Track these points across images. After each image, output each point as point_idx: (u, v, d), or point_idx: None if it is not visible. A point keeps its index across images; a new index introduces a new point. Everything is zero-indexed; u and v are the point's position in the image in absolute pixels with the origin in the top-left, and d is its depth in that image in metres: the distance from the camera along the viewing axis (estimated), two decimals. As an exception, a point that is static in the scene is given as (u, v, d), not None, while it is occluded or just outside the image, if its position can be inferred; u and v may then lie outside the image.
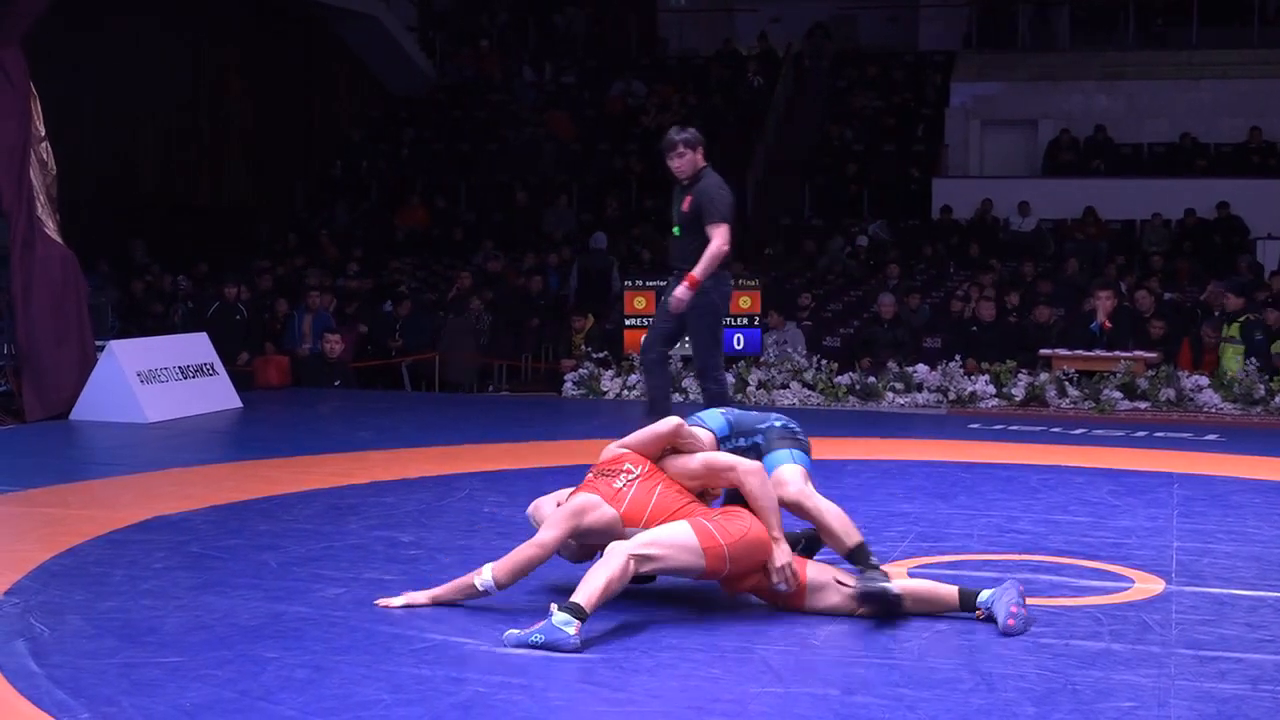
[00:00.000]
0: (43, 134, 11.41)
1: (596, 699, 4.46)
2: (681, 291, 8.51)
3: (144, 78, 20.17)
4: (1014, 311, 15.54)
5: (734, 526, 5.24)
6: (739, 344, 13.99)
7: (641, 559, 5.11)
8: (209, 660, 4.75)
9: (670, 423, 5.55)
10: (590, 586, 4.97)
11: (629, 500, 5.33)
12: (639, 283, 14.36)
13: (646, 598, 5.56)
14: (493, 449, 9.83)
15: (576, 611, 4.88)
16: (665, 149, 8.88)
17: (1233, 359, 13.61)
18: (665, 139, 8.97)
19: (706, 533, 5.20)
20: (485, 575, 5.26)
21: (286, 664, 4.73)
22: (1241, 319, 14.05)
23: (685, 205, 8.77)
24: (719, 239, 8.55)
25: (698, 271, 8.52)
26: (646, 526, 5.25)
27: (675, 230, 8.89)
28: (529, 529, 6.10)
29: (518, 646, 4.85)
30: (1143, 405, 12.49)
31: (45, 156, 11.44)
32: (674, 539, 5.19)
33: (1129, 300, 14.83)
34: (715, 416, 5.82)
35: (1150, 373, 12.74)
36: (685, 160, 8.80)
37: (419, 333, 16.07)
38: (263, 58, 22.96)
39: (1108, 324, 13.57)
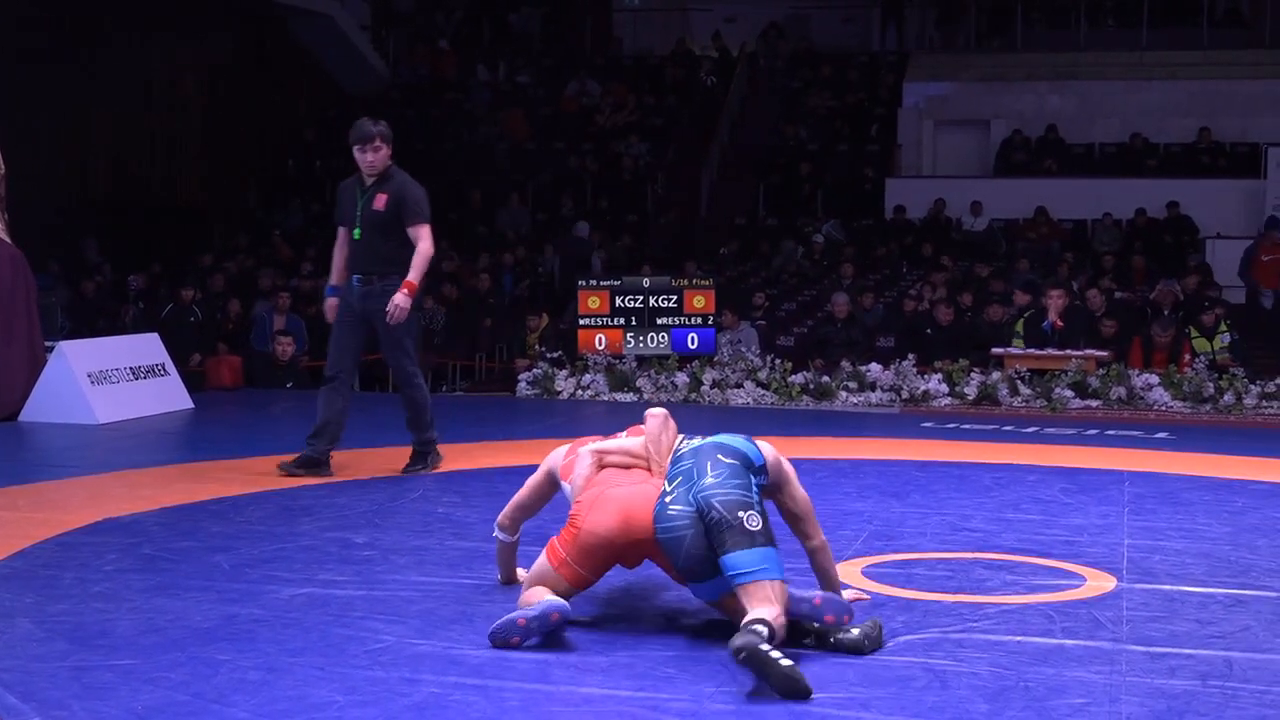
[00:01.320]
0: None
1: (552, 699, 4.46)
2: (402, 300, 8.13)
3: (95, 75, 20.03)
4: (967, 311, 15.62)
5: (567, 532, 5.12)
6: (693, 343, 14.02)
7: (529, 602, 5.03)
8: (161, 663, 4.72)
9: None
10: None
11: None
12: (593, 283, 14.35)
13: (601, 598, 5.56)
14: (446, 449, 9.78)
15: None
16: (360, 140, 8.29)
17: None
18: (360, 129, 8.36)
19: (553, 550, 5.12)
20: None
21: (240, 666, 4.71)
22: (1027, 314, 14.48)
23: (380, 204, 8.29)
24: (427, 240, 8.29)
25: (414, 277, 8.21)
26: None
27: (356, 232, 8.35)
28: (484, 528, 6.10)
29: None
30: (1094, 403, 12.58)
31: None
32: (539, 573, 5.13)
33: (1080, 299, 14.94)
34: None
35: (1101, 371, 12.84)
36: (380, 155, 8.34)
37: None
38: (216, 56, 22.84)
39: (1059, 323, 13.66)
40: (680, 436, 5.29)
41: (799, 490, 5.24)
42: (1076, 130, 23.26)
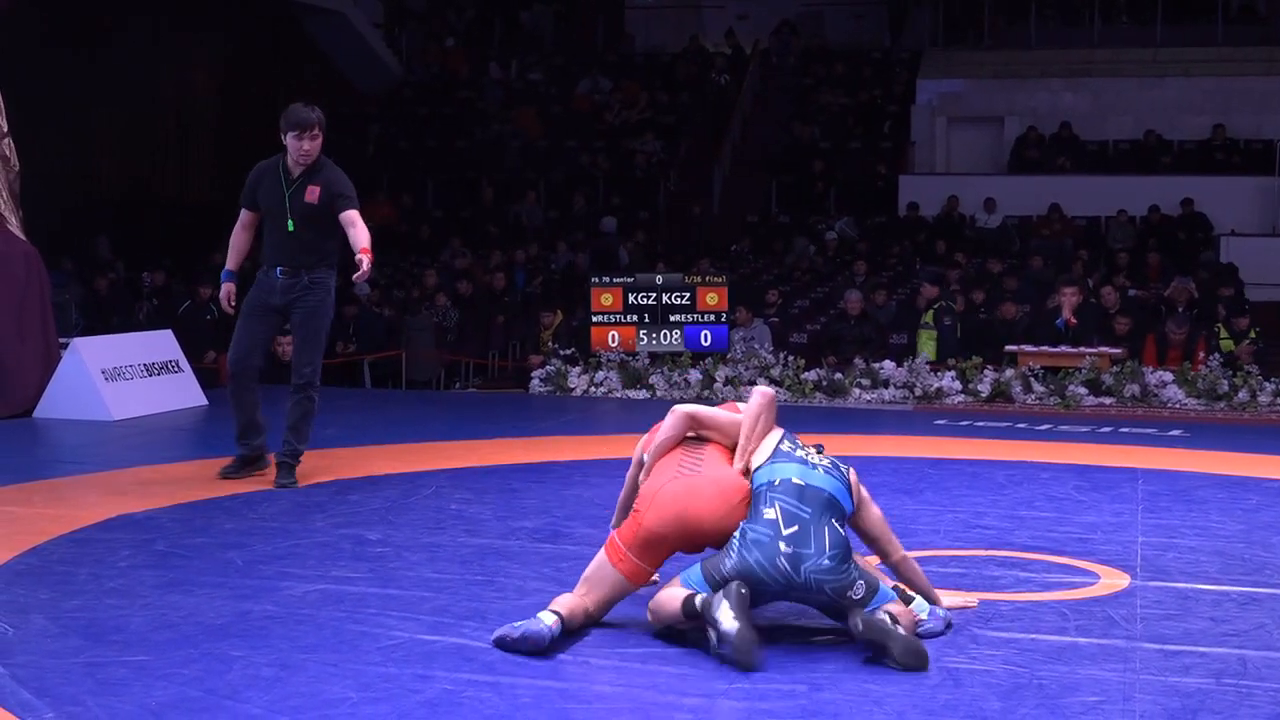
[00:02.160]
0: (5, 130, 11.35)
1: (564, 696, 4.46)
2: (369, 264, 7.70)
3: (108, 73, 20.06)
4: (981, 308, 15.60)
5: (628, 528, 5.07)
6: (706, 341, 14.01)
7: (583, 597, 5.04)
8: (175, 659, 4.73)
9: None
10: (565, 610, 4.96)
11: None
12: (606, 280, 14.35)
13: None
14: (459, 446, 9.81)
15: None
16: (299, 126, 7.91)
17: (928, 343, 14.40)
18: (299, 116, 7.95)
19: (611, 546, 5.08)
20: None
21: (253, 662, 4.71)
22: (935, 305, 14.71)
23: (312, 196, 7.96)
24: (361, 222, 7.90)
25: (368, 244, 7.76)
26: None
27: (290, 225, 7.98)
28: (497, 525, 6.11)
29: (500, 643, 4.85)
30: (1108, 401, 12.55)
31: (8, 152, 11.38)
32: (596, 574, 5.09)
33: (1094, 296, 14.91)
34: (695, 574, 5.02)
35: (1115, 368, 12.81)
36: (317, 144, 8.00)
37: (372, 332, 15.97)
38: (229, 54, 22.87)
39: (1073, 320, 13.63)
40: (779, 433, 5.23)
41: (874, 511, 5.23)
42: (1090, 127, 23.22)
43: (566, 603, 4.97)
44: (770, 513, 4.88)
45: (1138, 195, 20.82)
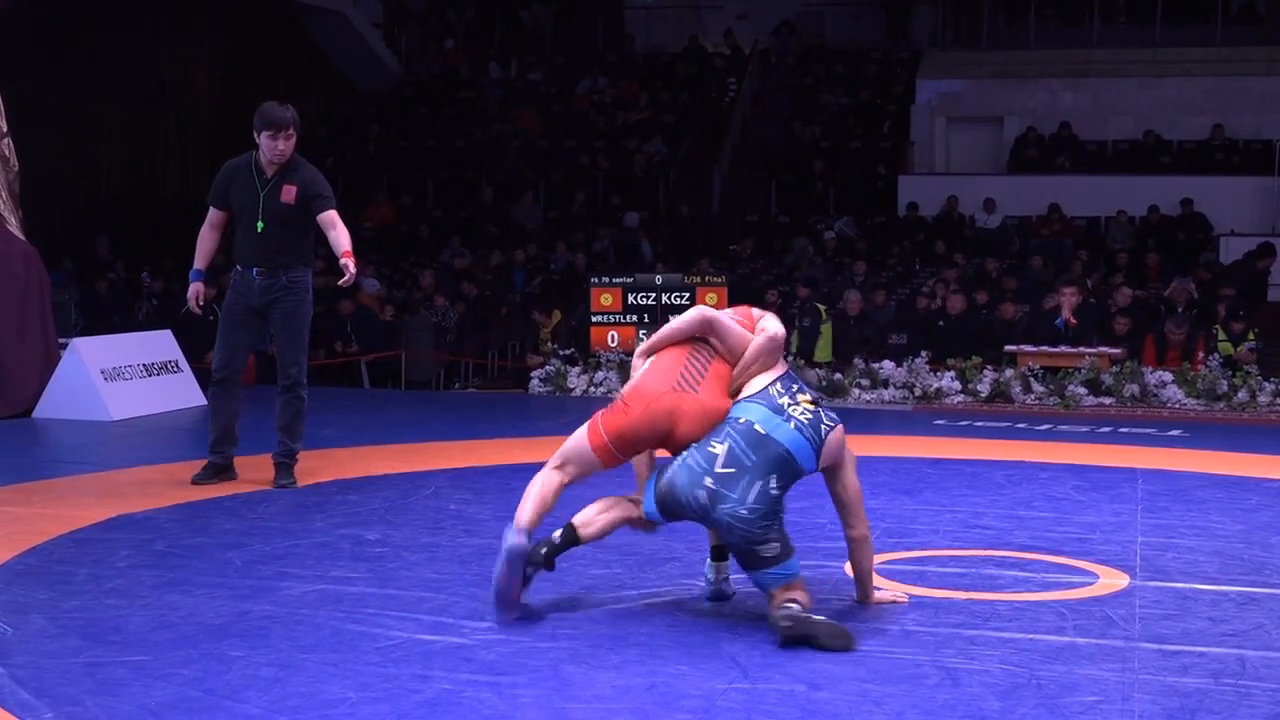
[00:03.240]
0: (4, 130, 11.36)
1: (563, 696, 4.46)
2: (354, 265, 7.75)
3: (108, 73, 20.06)
4: (983, 308, 15.60)
5: (615, 417, 5.26)
6: (706, 341, 13.99)
7: (560, 469, 5.36)
8: (174, 659, 4.74)
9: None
10: (526, 499, 5.29)
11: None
12: (605, 280, 14.35)
13: (612, 594, 5.56)
14: (459, 446, 9.82)
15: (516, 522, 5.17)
16: (273, 126, 7.75)
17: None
18: (272, 115, 7.80)
19: (593, 429, 5.30)
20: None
21: (252, 662, 4.72)
22: (800, 305, 15.36)
23: (289, 196, 7.84)
24: (342, 225, 7.81)
25: (349, 245, 7.79)
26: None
27: (259, 225, 7.86)
28: (496, 525, 6.09)
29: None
30: (1107, 401, 12.56)
31: (6, 152, 11.38)
32: (576, 445, 5.33)
33: (1094, 296, 14.91)
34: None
35: (1114, 369, 12.81)
36: (291, 144, 7.86)
37: (371, 332, 15.96)
38: (228, 53, 22.87)
39: (1072, 320, 13.63)
40: (775, 374, 5.29)
41: (851, 478, 5.32)
42: (1090, 127, 23.21)
43: (531, 510, 5.26)
44: (717, 447, 5.05)
45: (1137, 195, 20.82)
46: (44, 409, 11.16)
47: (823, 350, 14.60)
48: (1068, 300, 13.81)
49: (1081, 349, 13.20)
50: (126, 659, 4.73)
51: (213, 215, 8.14)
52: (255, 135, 7.82)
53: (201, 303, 8.18)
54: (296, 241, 7.95)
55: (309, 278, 8.07)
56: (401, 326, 16.30)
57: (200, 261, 8.23)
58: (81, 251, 18.85)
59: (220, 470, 8.18)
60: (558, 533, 5.24)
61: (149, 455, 9.40)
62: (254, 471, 8.47)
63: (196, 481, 8.06)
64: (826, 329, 14.82)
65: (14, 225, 11.36)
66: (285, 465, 8.12)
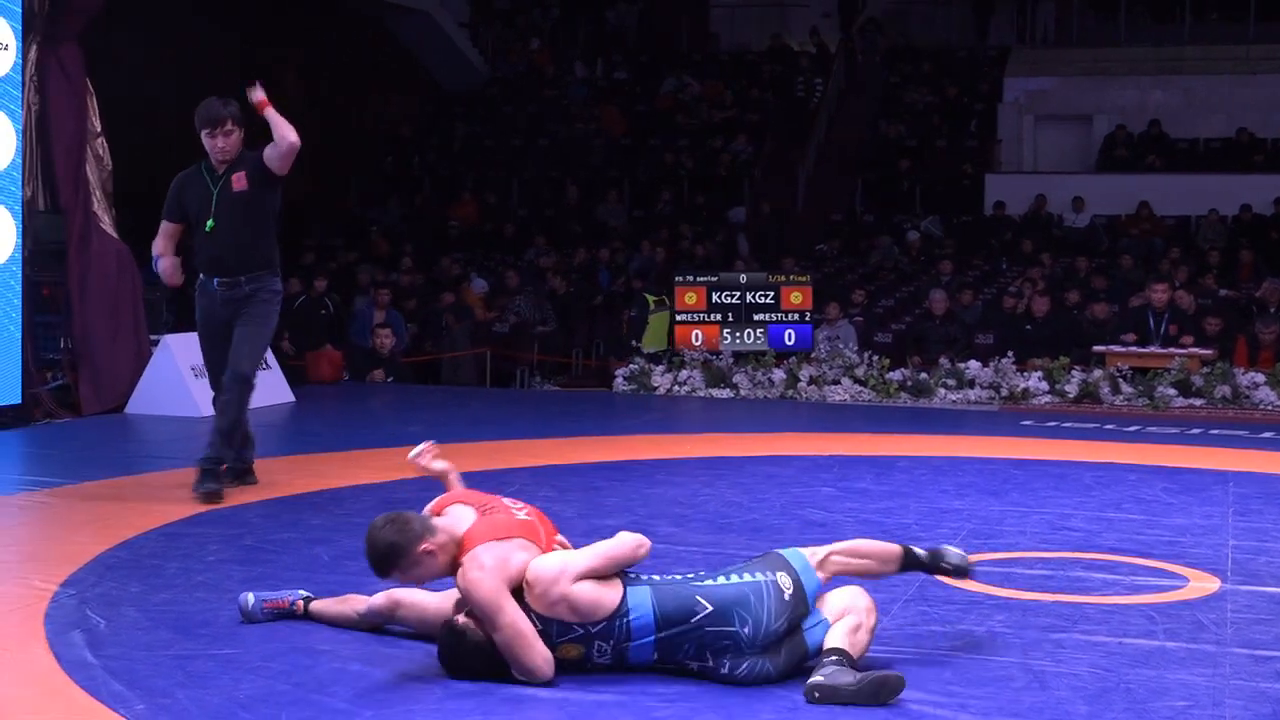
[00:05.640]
0: (99, 130, 11.52)
1: (648, 695, 4.44)
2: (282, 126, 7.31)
3: (197, 74, 20.23)
4: (1072, 308, 15.44)
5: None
6: (790, 340, 13.97)
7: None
8: (262, 653, 4.78)
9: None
10: None
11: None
12: (690, 278, 14.34)
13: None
14: (543, 444, 9.85)
15: None
16: (210, 123, 7.48)
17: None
18: (209, 111, 7.52)
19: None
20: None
21: (340, 656, 4.76)
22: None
23: (240, 183, 7.47)
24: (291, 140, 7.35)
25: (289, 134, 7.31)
26: None
27: (209, 224, 7.50)
28: (580, 523, 6.11)
29: None
30: (1198, 402, 12.39)
31: (101, 152, 11.55)
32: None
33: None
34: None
35: (1205, 370, 12.64)
36: (233, 140, 7.52)
37: (464, 329, 16.07)
38: (315, 54, 23.06)
39: (1174, 328, 13.43)
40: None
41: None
42: (1181, 125, 22.91)
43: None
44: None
45: (1229, 194, 20.51)
46: (136, 405, 11.31)
47: (651, 339, 14.81)
48: (1157, 296, 13.68)
49: (1172, 350, 13.04)
50: (216, 652, 4.78)
51: (165, 228, 7.77)
52: (201, 136, 7.54)
53: (178, 277, 7.76)
54: (254, 242, 7.54)
55: (275, 284, 7.65)
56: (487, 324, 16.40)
57: (159, 249, 7.77)
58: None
59: (238, 475, 7.90)
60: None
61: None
62: (341, 466, 8.55)
63: (203, 490, 7.48)
64: (656, 319, 15.02)
65: (107, 224, 11.52)
66: (210, 472, 7.57)
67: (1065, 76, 24.05)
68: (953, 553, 4.94)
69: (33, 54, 10.92)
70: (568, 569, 4.52)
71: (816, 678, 4.35)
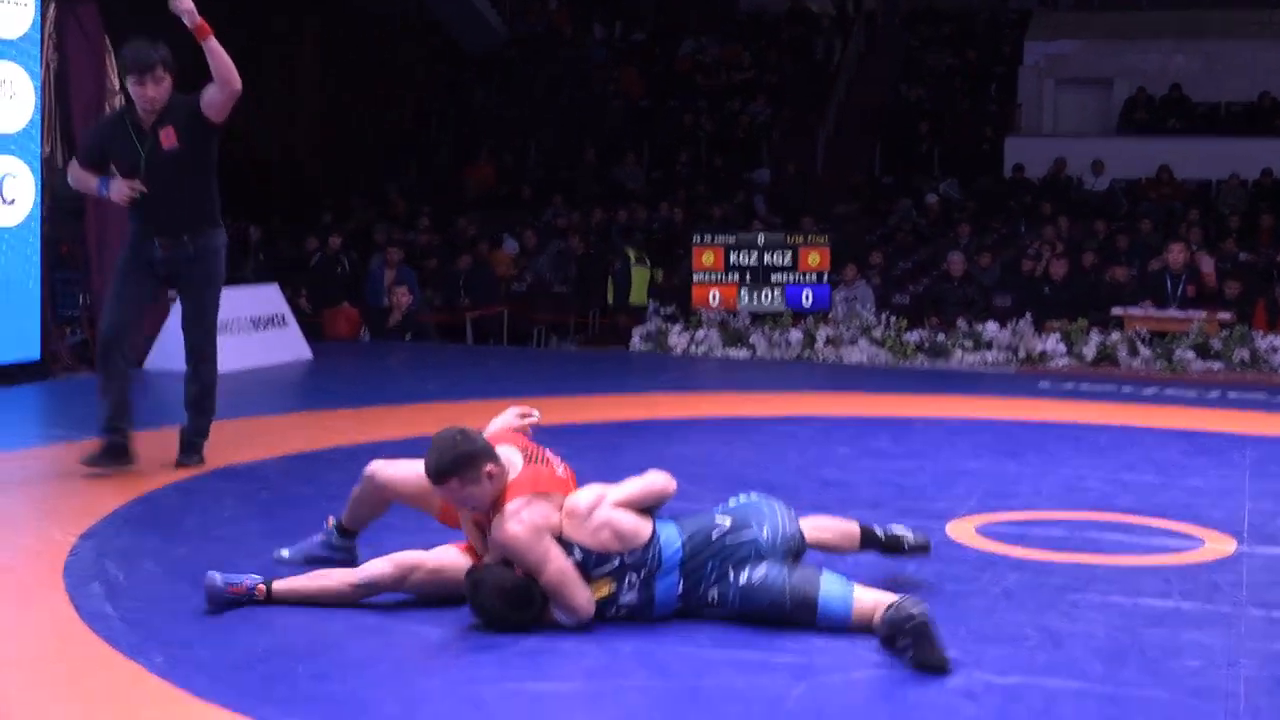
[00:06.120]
0: (117, 87, 11.51)
1: (665, 653, 4.47)
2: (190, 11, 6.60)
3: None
4: (1090, 271, 15.39)
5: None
6: (808, 301, 13.95)
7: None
8: (280, 607, 4.80)
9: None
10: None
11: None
12: (708, 238, 14.32)
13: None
14: (560, 402, 9.86)
15: None
16: (140, 68, 6.62)
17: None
18: (138, 55, 6.69)
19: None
20: None
21: (357, 612, 4.78)
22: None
23: (169, 140, 6.72)
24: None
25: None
26: None
27: (152, 185, 6.78)
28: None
29: None
30: (1216, 366, 12.37)
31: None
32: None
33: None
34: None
35: (1224, 333, 12.61)
36: (163, 88, 6.70)
37: (484, 288, 16.08)
38: (333, 14, 23.00)
39: (1192, 288, 13.39)
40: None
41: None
42: (1202, 89, 22.76)
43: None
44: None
45: (1250, 158, 20.40)
46: (154, 360, 11.35)
47: (633, 294, 15.45)
48: (1175, 258, 13.64)
49: (1190, 313, 13.00)
50: (234, 607, 4.81)
51: (79, 169, 7.06)
52: (125, 82, 6.75)
53: (133, 188, 6.78)
54: (193, 201, 6.89)
55: (219, 241, 7.05)
56: (502, 282, 16.41)
57: (84, 182, 7.04)
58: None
59: (117, 452, 7.03)
60: None
61: (255, 407, 9.53)
62: (359, 423, 8.57)
63: (88, 464, 6.96)
64: (638, 273, 15.52)
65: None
66: (194, 444, 7.29)
67: (1086, 40, 23.90)
68: (909, 536, 5.13)
69: (51, 12, 10.92)
70: (607, 496, 4.76)
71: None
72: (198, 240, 6.92)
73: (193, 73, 6.96)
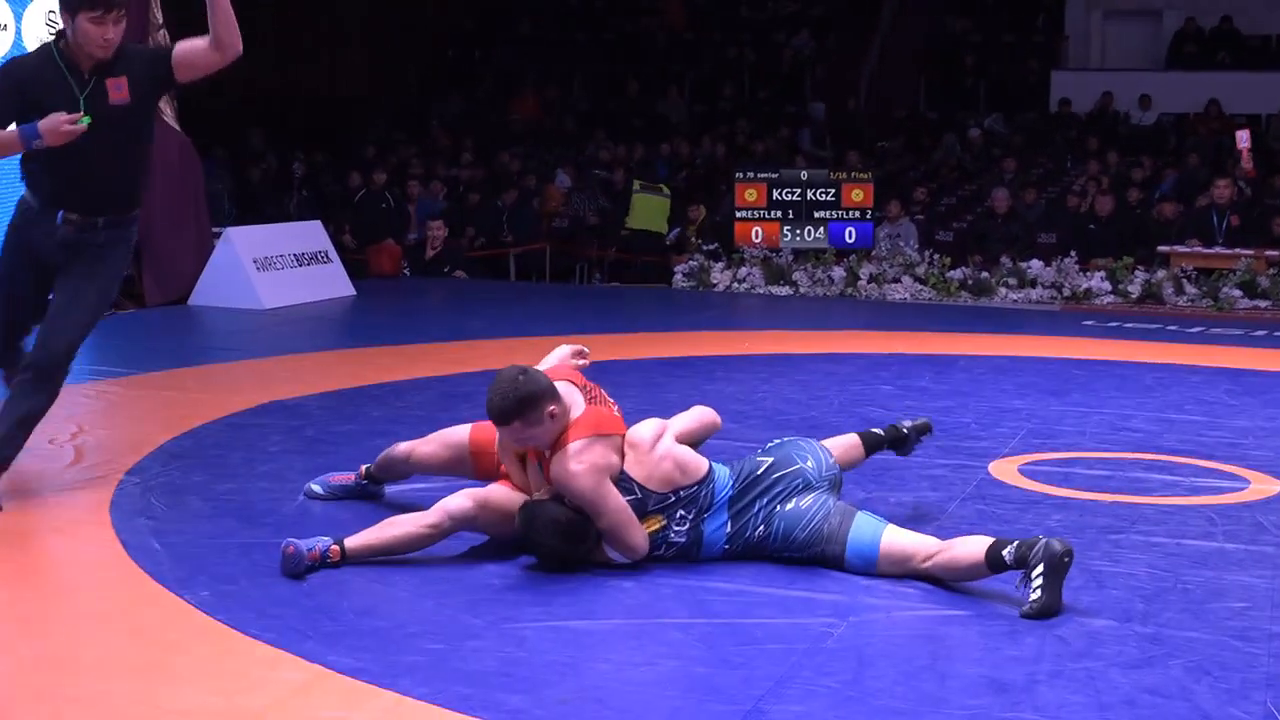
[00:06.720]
0: (160, 21, 11.51)
1: (704, 590, 4.48)
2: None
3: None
4: (1136, 208, 15.25)
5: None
6: (850, 238, 13.89)
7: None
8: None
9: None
10: None
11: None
12: (750, 175, 14.25)
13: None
14: (602, 339, 9.85)
15: None
16: (99, 4, 5.16)
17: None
18: None
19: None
20: None
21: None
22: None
23: (119, 93, 5.29)
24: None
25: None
26: None
27: (90, 142, 5.17)
28: (638, 418, 6.14)
29: None
30: (1263, 304, 12.26)
31: (163, 43, 11.54)
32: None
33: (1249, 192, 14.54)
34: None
35: (1271, 271, 12.49)
36: (121, 30, 5.29)
37: (526, 223, 16.06)
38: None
39: (1235, 219, 13.26)
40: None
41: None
42: (1253, 21, 22.42)
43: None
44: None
45: (1302, 92, 20.15)
46: (198, 297, 11.41)
47: (635, 218, 15.65)
48: (1221, 192, 13.49)
49: (1237, 250, 12.88)
50: (279, 541, 4.82)
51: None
52: (68, 20, 5.27)
53: (72, 123, 5.05)
54: (127, 174, 5.50)
55: (134, 228, 5.59)
56: (544, 218, 16.39)
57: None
58: (235, 142, 19.10)
59: None
60: None
61: (299, 343, 9.59)
62: (402, 359, 8.60)
63: None
64: (639, 199, 15.60)
65: (169, 116, 11.54)
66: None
67: (1135, -29, 23.60)
68: (906, 422, 5.38)
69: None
70: (668, 427, 4.87)
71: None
72: (113, 227, 5.44)
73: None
